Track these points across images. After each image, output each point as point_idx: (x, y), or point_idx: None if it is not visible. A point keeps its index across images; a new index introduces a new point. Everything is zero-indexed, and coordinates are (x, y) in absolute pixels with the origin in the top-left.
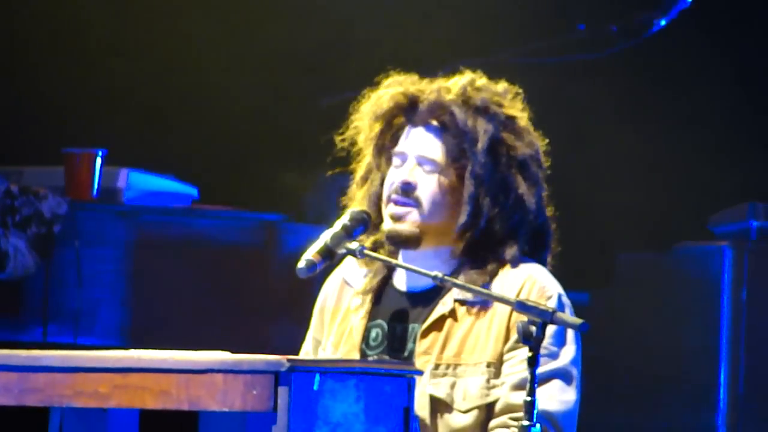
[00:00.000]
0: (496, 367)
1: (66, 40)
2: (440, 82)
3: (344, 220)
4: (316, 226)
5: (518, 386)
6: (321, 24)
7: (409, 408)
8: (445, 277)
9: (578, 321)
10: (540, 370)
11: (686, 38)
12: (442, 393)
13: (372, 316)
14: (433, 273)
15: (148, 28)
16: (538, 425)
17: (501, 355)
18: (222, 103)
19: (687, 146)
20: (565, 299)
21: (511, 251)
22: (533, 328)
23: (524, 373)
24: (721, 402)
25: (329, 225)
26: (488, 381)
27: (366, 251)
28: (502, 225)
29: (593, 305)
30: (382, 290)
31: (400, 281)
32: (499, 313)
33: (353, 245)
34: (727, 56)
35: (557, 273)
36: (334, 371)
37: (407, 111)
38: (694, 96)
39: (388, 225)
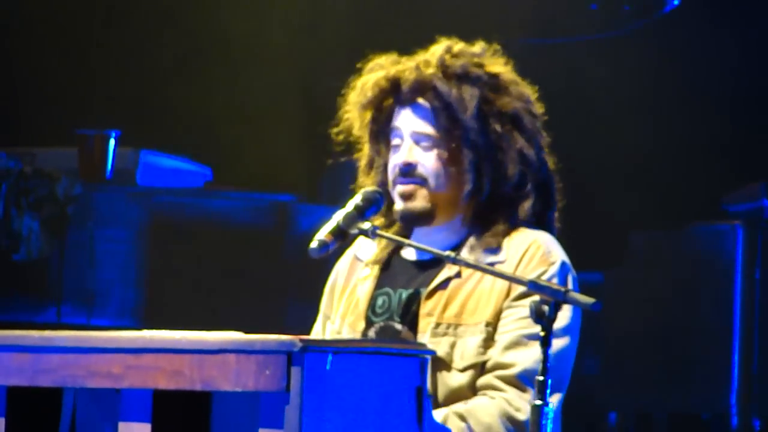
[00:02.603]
0: (494, 326)
1: (80, 21)
2: (419, 57)
3: (357, 200)
4: (328, 207)
5: (510, 345)
6: (335, 4)
7: (421, 388)
8: (458, 257)
9: (590, 300)
10: (532, 331)
11: (699, 16)
12: (442, 352)
13: (379, 284)
14: (446, 253)
15: (164, 11)
16: (550, 404)
17: (500, 313)
18: (236, 84)
19: (700, 125)
20: (569, 267)
21: (524, 207)
22: (545, 308)
23: (519, 331)
24: (734, 381)
25: (342, 205)
26: (485, 340)
27: (379, 231)
28: (507, 183)
29: (606, 284)
30: (390, 261)
31: (409, 252)
32: None
33: (366, 225)
34: (741, 34)
35: (571, 251)
36: (347, 351)
37: (392, 93)
38: (707, 74)
39: (399, 205)
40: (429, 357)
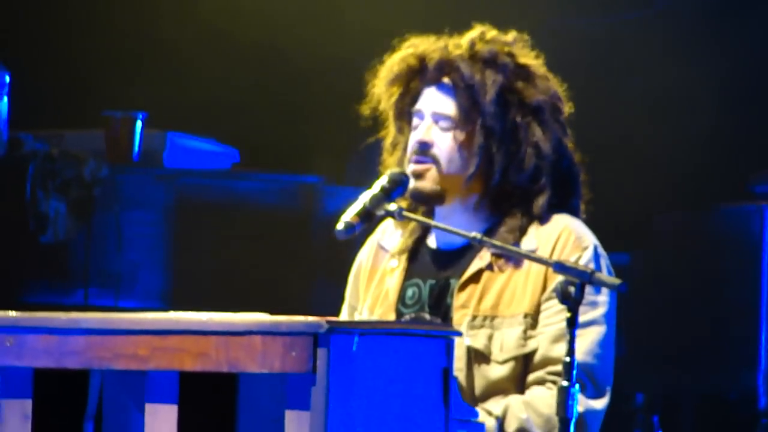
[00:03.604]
0: (533, 318)
1: (106, 2)
2: (452, 39)
3: (383, 181)
4: (355, 188)
5: (556, 338)
6: None
7: (447, 369)
8: (484, 239)
9: (617, 281)
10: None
11: None
12: (479, 344)
13: (408, 275)
14: (472, 234)
15: None
16: (577, 385)
17: (538, 305)
18: (263, 65)
19: (726, 104)
20: (601, 250)
21: (538, 203)
22: (572, 289)
23: (562, 323)
24: (761, 361)
25: (368, 187)
26: (525, 332)
27: (405, 212)
28: (518, 174)
29: (633, 265)
30: (417, 250)
31: (433, 241)
32: (535, 264)
33: (392, 207)
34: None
35: (597, 233)
36: (372, 332)
37: (420, 72)
38: (733, 53)
39: (410, 183)
40: (455, 338)
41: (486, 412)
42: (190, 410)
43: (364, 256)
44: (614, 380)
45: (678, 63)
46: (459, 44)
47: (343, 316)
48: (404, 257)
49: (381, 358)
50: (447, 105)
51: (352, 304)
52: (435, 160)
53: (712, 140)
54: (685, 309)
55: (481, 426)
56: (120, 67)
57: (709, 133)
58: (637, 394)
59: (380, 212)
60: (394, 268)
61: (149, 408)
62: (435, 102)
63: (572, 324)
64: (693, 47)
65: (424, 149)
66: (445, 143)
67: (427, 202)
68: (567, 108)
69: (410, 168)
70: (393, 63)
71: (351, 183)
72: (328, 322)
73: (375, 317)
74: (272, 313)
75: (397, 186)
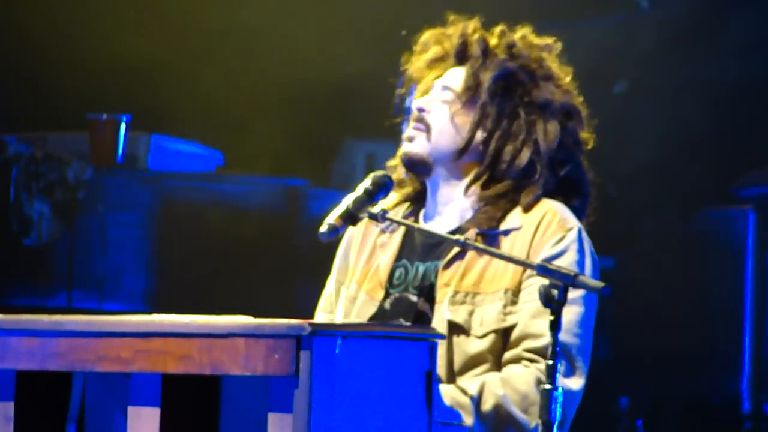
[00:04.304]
0: (514, 293)
1: (91, 5)
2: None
3: (366, 184)
4: (339, 191)
5: (536, 314)
6: None
7: (430, 371)
8: (468, 242)
9: (600, 284)
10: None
11: (710, 1)
12: (460, 319)
13: (398, 255)
14: (455, 237)
15: None
16: (560, 389)
17: (519, 283)
18: (247, 68)
19: (712, 108)
20: (585, 234)
21: (527, 197)
22: (555, 292)
23: None
24: (745, 365)
25: (352, 189)
26: (505, 306)
27: (387, 216)
28: (511, 166)
29: (618, 269)
30: (408, 231)
31: (423, 222)
32: (518, 243)
33: (375, 209)
34: (752, 18)
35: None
36: (355, 335)
37: (448, 55)
38: (719, 57)
39: (402, 147)
40: (438, 341)
41: (461, 391)
42: (172, 413)
43: (354, 231)
44: (599, 383)
45: (663, 66)
46: (492, 31)
47: (329, 289)
48: (396, 237)
49: (364, 360)
50: (456, 80)
51: (340, 279)
52: (427, 128)
53: (696, 144)
54: (669, 312)
55: (465, 429)
56: (104, 70)
57: (694, 137)
58: (622, 398)
59: (363, 215)
60: (386, 244)
61: (132, 411)
62: (449, 77)
63: (555, 327)
64: (679, 51)
65: (419, 116)
66: (440, 114)
67: (413, 167)
68: (587, 134)
69: (405, 132)
70: (428, 42)
71: (336, 186)
72: (311, 324)
73: (363, 292)
74: (255, 315)
75: (381, 188)
